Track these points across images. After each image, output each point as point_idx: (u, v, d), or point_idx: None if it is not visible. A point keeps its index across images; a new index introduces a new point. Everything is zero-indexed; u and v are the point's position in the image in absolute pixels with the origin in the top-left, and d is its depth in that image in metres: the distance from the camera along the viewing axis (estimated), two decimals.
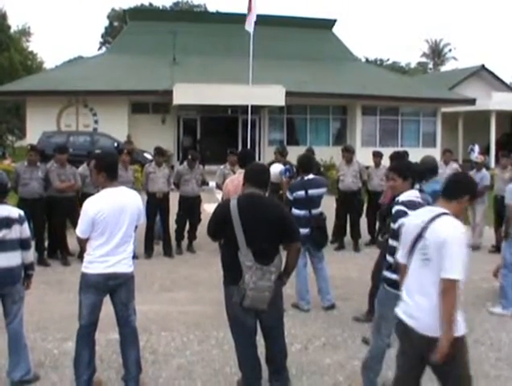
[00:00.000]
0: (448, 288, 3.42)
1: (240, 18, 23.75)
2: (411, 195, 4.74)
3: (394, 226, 4.58)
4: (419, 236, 3.62)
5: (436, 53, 69.71)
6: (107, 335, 5.68)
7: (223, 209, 4.52)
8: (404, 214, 4.53)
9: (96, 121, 25.33)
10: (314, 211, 7.07)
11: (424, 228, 3.60)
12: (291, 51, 31.36)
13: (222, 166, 10.60)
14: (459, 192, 3.72)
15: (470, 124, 31.38)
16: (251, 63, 20.07)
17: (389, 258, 4.67)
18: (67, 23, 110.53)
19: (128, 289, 4.72)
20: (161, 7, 56.93)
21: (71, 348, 5.03)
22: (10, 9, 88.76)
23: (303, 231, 6.70)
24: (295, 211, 6.88)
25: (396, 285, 4.54)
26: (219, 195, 11.25)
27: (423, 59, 70.98)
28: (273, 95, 24.04)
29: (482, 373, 5.21)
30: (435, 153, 26.92)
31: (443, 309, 3.44)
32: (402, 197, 4.71)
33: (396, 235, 4.57)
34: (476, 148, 28.68)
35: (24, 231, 4.88)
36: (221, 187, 9.17)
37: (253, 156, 7.38)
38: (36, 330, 6.08)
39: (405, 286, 3.76)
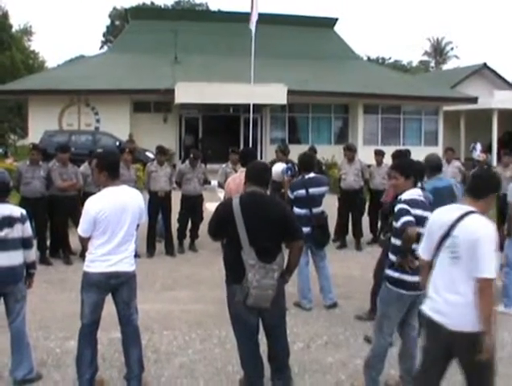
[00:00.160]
0: (485, 287, 3.45)
1: (241, 17, 23.79)
2: (414, 193, 4.73)
3: (397, 224, 4.57)
4: (447, 234, 3.64)
5: (438, 51, 69.62)
6: (109, 334, 5.68)
7: (225, 208, 4.52)
8: (406, 212, 4.52)
9: (98, 120, 25.36)
10: (315, 210, 7.07)
11: (452, 226, 3.62)
12: (293, 49, 31.35)
13: (224, 165, 10.60)
14: (486, 191, 3.74)
15: (472, 122, 31.33)
16: (253, 62, 20.07)
17: (391, 256, 4.66)
18: (68, 22, 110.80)
19: (130, 288, 4.72)
20: (163, 6, 56.91)
21: (73, 347, 5.04)
22: (11, 8, 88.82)
23: (305, 230, 6.68)
24: (296, 209, 6.88)
25: (398, 283, 4.55)
26: (221, 194, 11.25)
27: (425, 58, 70.98)
28: (275, 93, 24.03)
29: None
30: (437, 151, 26.82)
31: (481, 307, 3.46)
32: (405, 195, 4.70)
33: (398, 233, 4.57)
34: (478, 146, 28.63)
35: (26, 230, 4.88)
36: (223, 186, 9.17)
37: (255, 155, 7.39)
38: (39, 329, 6.08)
39: (431, 284, 3.78)
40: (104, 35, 60.76)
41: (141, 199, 4.86)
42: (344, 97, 27.18)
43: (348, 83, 27.28)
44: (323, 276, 7.22)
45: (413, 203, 4.61)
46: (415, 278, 4.54)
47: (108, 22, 60.74)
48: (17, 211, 4.87)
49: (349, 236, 11.00)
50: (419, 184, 5.22)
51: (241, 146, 23.89)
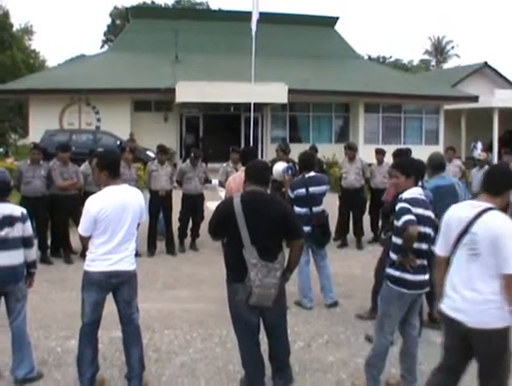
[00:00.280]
0: None
1: (242, 16, 23.78)
2: (415, 192, 4.72)
3: (398, 223, 4.56)
4: (465, 231, 3.65)
5: (439, 50, 69.55)
6: (110, 333, 5.68)
7: (226, 207, 4.52)
8: (408, 211, 4.52)
9: (98, 120, 25.37)
10: (315, 209, 7.06)
11: (471, 223, 3.63)
12: (294, 48, 31.32)
13: (225, 164, 10.60)
14: (503, 187, 3.76)
15: (473, 121, 31.30)
16: (253, 61, 20.06)
17: (392, 255, 4.66)
18: (69, 22, 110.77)
19: (130, 287, 4.71)
20: (163, 5, 56.83)
21: (74, 346, 5.04)
22: (12, 7, 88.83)
23: (305, 229, 6.69)
24: (297, 208, 6.87)
25: (399, 282, 4.55)
26: (222, 193, 11.25)
27: (426, 57, 70.88)
28: (275, 92, 24.02)
29: None
30: (438, 150, 26.70)
31: (510, 302, 3.51)
32: (406, 194, 4.70)
33: (399, 232, 4.57)
34: (479, 145, 28.63)
35: (27, 229, 4.88)
36: (224, 185, 9.17)
37: (256, 154, 7.40)
38: (39, 328, 6.08)
39: (448, 281, 3.79)
40: (105, 34, 60.73)
41: (141, 198, 4.85)
42: (344, 96, 27.17)
43: (348, 82, 27.26)
44: (323, 275, 7.22)
45: (414, 201, 4.60)
46: (416, 277, 4.55)
47: (109, 21, 60.72)
48: (17, 210, 4.87)
49: (350, 235, 11.00)
50: (420, 183, 5.21)
51: (242, 145, 23.88)
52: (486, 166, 11.22)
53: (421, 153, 9.50)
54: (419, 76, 42.30)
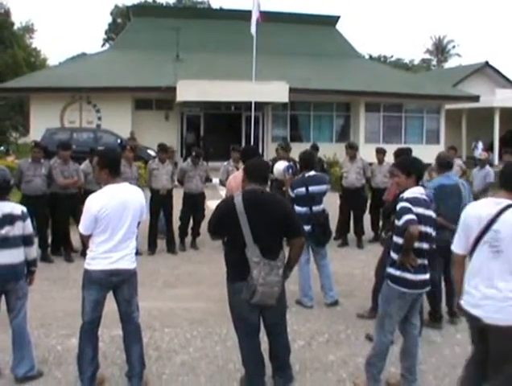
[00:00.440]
0: None
1: (243, 15, 23.76)
2: (416, 191, 4.71)
3: (399, 223, 4.56)
4: (487, 229, 3.67)
5: (440, 50, 69.50)
6: (111, 332, 5.69)
7: (227, 206, 4.52)
8: (408, 211, 4.51)
9: (99, 118, 25.36)
10: (315, 208, 7.06)
11: (493, 221, 3.65)
12: (295, 47, 31.33)
13: (226, 163, 10.61)
14: None
15: (474, 121, 31.28)
16: (254, 60, 20.06)
17: (393, 255, 4.66)
18: (70, 20, 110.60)
19: (131, 286, 4.72)
20: (164, 4, 56.83)
21: (74, 345, 5.04)
22: (13, 6, 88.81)
23: (305, 228, 6.71)
24: (297, 208, 6.86)
25: (400, 281, 4.55)
26: (222, 192, 11.25)
27: (427, 56, 70.85)
28: (276, 91, 24.02)
29: None
30: (439, 149, 26.79)
31: None
32: (407, 194, 4.69)
33: (400, 231, 4.56)
34: (480, 145, 28.64)
35: (27, 227, 4.88)
36: (225, 184, 9.17)
37: (257, 153, 7.39)
38: (40, 327, 6.09)
39: (468, 278, 3.82)
40: (106, 33, 60.73)
41: (142, 197, 4.85)
42: (345, 95, 27.15)
43: (350, 81, 27.26)
44: (324, 274, 7.22)
45: (415, 201, 4.60)
46: (417, 276, 4.55)
47: (109, 19, 60.73)
48: (18, 208, 4.87)
49: (351, 234, 11.00)
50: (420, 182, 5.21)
51: (243, 144, 23.88)
52: (487, 166, 11.25)
53: (422, 152, 9.49)
54: (420, 76, 42.30)
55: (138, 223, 4.84)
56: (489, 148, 27.80)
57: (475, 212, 3.80)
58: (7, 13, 39.41)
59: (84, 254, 5.98)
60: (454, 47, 69.72)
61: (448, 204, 6.27)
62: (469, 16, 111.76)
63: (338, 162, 15.85)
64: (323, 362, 5.40)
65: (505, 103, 29.69)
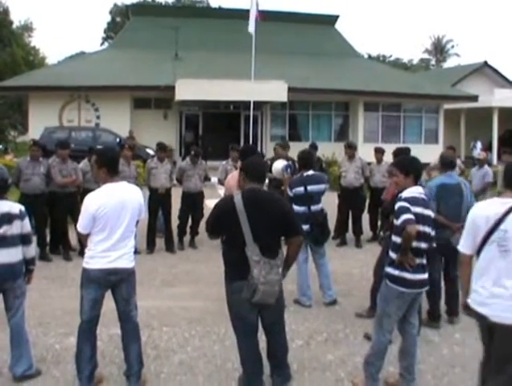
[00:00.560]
0: None
1: (242, 14, 23.74)
2: (414, 191, 4.71)
3: (397, 222, 4.56)
4: (494, 228, 3.69)
5: (439, 49, 69.55)
6: (109, 330, 5.69)
7: (227, 205, 4.51)
8: (406, 210, 4.51)
9: (98, 117, 25.35)
10: (313, 208, 7.06)
11: (500, 220, 3.67)
12: (294, 46, 31.33)
13: (224, 162, 10.61)
14: None
15: (472, 120, 31.31)
16: (253, 59, 20.05)
17: (391, 254, 4.66)
18: (69, 19, 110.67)
19: (129, 285, 4.71)
20: (163, 3, 56.83)
21: (73, 343, 5.03)
22: (12, 4, 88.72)
23: (304, 227, 6.70)
24: (295, 207, 6.84)
25: (398, 281, 4.55)
26: (221, 191, 11.25)
27: (426, 56, 70.90)
28: (275, 91, 24.02)
29: None
30: (438, 149, 26.88)
31: None
32: (405, 193, 4.69)
33: (398, 231, 4.57)
34: (479, 144, 28.65)
35: (25, 226, 4.88)
36: (223, 183, 9.17)
37: (255, 151, 7.38)
38: (38, 326, 6.08)
39: (475, 277, 3.84)
40: (105, 32, 60.74)
41: (140, 195, 4.84)
42: (344, 95, 27.15)
43: (348, 80, 27.26)
44: (322, 273, 7.22)
45: (413, 200, 4.60)
46: (416, 276, 4.55)
47: (108, 18, 60.77)
48: (16, 207, 4.86)
49: (349, 234, 11.00)
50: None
51: (242, 143, 23.88)
52: (486, 166, 11.25)
53: (420, 152, 9.49)
54: (419, 75, 42.31)
55: (137, 222, 4.83)
56: (487, 148, 27.81)
57: (482, 212, 3.82)
58: (6, 11, 39.40)
59: (81, 254, 5.99)
60: (453, 46, 69.88)
61: (449, 203, 6.30)
62: (468, 16, 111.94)
63: (337, 162, 15.86)
64: (321, 361, 5.40)
65: (503, 103, 29.72)
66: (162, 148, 10.33)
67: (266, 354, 4.75)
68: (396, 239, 4.61)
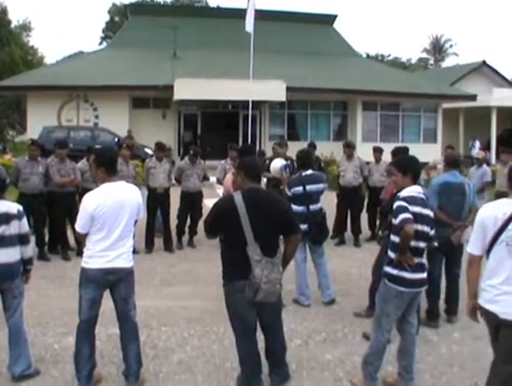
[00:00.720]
0: None
1: (240, 14, 23.71)
2: (413, 190, 4.71)
3: (395, 221, 4.56)
4: (503, 228, 3.72)
5: (437, 49, 69.57)
6: (108, 330, 5.69)
7: (227, 204, 4.51)
8: (404, 209, 4.52)
9: (96, 116, 25.31)
10: (312, 207, 7.06)
11: (509, 220, 3.71)
12: (292, 46, 31.32)
13: (223, 161, 10.60)
14: None
15: (471, 120, 31.33)
16: (252, 59, 20.04)
17: (390, 254, 4.66)
18: (67, 18, 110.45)
19: (128, 284, 4.71)
20: (162, 2, 56.73)
21: (71, 343, 5.02)
22: (10, 3, 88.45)
23: (302, 226, 6.70)
24: (294, 206, 6.84)
25: (397, 280, 4.55)
26: (220, 190, 11.25)
27: (424, 55, 70.92)
28: (273, 90, 24.01)
29: (483, 368, 5.20)
30: (436, 149, 26.98)
31: None
32: (404, 192, 4.70)
33: (397, 230, 4.57)
34: (477, 144, 28.67)
35: (23, 226, 4.87)
36: (222, 182, 9.18)
37: (254, 151, 7.40)
38: (37, 325, 6.08)
39: (486, 277, 3.86)
40: (103, 31, 60.63)
41: (139, 195, 4.84)
42: (343, 94, 27.13)
43: (347, 80, 27.25)
44: (321, 273, 7.22)
45: (412, 200, 4.60)
46: (414, 275, 4.56)
47: (107, 18, 60.64)
48: (14, 207, 4.85)
49: (348, 233, 11.01)
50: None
51: (240, 143, 23.87)
52: (484, 165, 11.25)
53: (419, 151, 9.50)
54: (418, 75, 42.30)
55: (135, 222, 4.83)
56: (486, 147, 27.81)
57: (490, 213, 3.84)
58: (4, 11, 39.32)
59: (80, 253, 5.98)
60: (451, 46, 69.88)
61: (451, 201, 6.33)
62: (467, 15, 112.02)
63: (335, 161, 15.87)
64: (320, 361, 5.40)
65: (502, 102, 29.74)
66: (160, 147, 10.33)
67: (265, 353, 4.76)
68: (394, 238, 4.62)
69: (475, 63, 38.21)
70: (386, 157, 9.36)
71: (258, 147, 24.51)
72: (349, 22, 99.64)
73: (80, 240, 4.79)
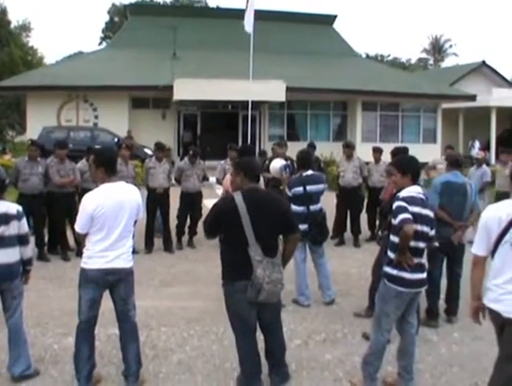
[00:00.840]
0: None
1: (240, 14, 23.69)
2: (412, 190, 4.71)
3: (395, 222, 4.56)
4: (507, 229, 3.74)
5: (437, 49, 69.56)
6: (107, 330, 5.69)
7: (228, 205, 4.51)
8: (404, 210, 4.51)
9: (96, 116, 25.30)
10: (312, 208, 7.06)
11: None
12: (292, 46, 31.32)
13: (223, 162, 10.60)
14: None
15: (471, 120, 31.34)
16: (251, 59, 20.04)
17: (390, 254, 4.66)
18: (67, 18, 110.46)
19: (127, 285, 4.71)
20: (161, 2, 56.73)
21: (71, 343, 5.02)
22: (10, 4, 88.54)
23: (302, 227, 6.71)
24: (294, 207, 6.85)
25: (397, 280, 4.55)
26: (219, 191, 11.25)
27: (424, 55, 70.90)
28: (273, 90, 24.00)
29: (483, 369, 5.22)
30: (436, 149, 26.97)
31: None
32: (403, 193, 4.69)
33: (396, 231, 4.57)
34: (477, 144, 28.67)
35: (22, 226, 4.86)
36: (222, 182, 9.18)
37: (253, 151, 7.41)
38: (36, 326, 6.08)
39: (492, 277, 3.88)
40: (103, 32, 60.61)
41: (138, 195, 4.84)
42: (342, 94, 27.12)
43: (346, 80, 27.24)
44: (322, 273, 7.22)
45: (411, 200, 4.60)
46: (414, 275, 4.55)
47: (107, 18, 60.63)
48: (13, 207, 4.84)
49: (347, 233, 11.01)
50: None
51: (240, 143, 23.86)
52: (484, 165, 11.26)
53: (419, 151, 9.49)
54: (417, 75, 42.31)
55: (135, 222, 4.83)
56: (485, 147, 27.81)
57: (494, 214, 3.87)
58: (4, 11, 39.33)
59: (80, 254, 5.98)
60: (451, 46, 69.86)
61: (452, 201, 6.35)
62: (466, 15, 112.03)
63: (335, 161, 15.86)
64: (319, 361, 5.40)
65: (501, 102, 29.76)
66: (160, 148, 10.32)
67: (264, 353, 4.76)
68: (394, 238, 4.61)
69: (474, 64, 38.22)
70: (386, 157, 9.36)
71: (257, 147, 24.53)
72: (349, 22, 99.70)
73: (80, 240, 4.79)
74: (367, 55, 60.81)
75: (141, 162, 14.55)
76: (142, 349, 4.97)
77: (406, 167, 4.85)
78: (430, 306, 6.43)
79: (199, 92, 23.23)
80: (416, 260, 4.57)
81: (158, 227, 10.38)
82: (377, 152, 11.18)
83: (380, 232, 6.72)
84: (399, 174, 4.85)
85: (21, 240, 4.86)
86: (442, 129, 29.12)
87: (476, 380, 4.99)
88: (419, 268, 4.60)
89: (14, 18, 66.02)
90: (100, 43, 59.07)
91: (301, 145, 10.80)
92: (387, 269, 4.64)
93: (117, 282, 4.63)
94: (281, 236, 4.76)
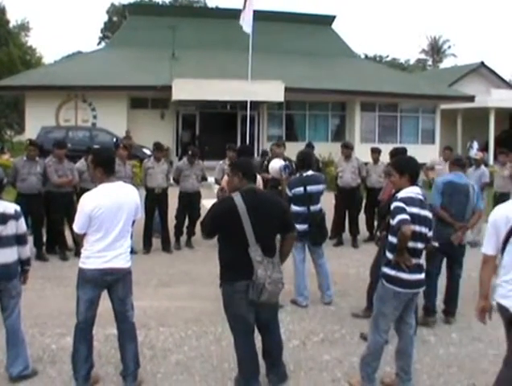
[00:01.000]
0: None
1: (239, 14, 23.71)
2: (411, 191, 4.70)
3: (393, 222, 4.56)
4: None
5: (435, 50, 69.59)
6: (105, 330, 5.68)
7: (228, 205, 4.51)
8: (402, 210, 4.51)
9: (95, 116, 25.25)
10: (312, 208, 7.06)
11: None
12: (291, 47, 31.30)
13: (221, 162, 10.59)
14: None
15: (469, 121, 31.36)
16: (250, 59, 20.04)
17: (388, 254, 4.66)
18: (66, 18, 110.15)
19: (125, 285, 4.71)
20: (160, 2, 56.68)
21: (69, 343, 5.01)
22: (8, 4, 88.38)
23: (302, 227, 6.72)
24: (294, 207, 6.87)
25: (395, 281, 4.55)
26: None
27: (423, 56, 70.92)
28: (272, 91, 24.00)
29: (481, 369, 5.23)
30: (434, 149, 26.97)
31: None
32: (402, 193, 4.69)
33: (394, 231, 4.57)
34: (475, 145, 28.68)
35: (20, 226, 4.86)
36: (220, 183, 9.18)
37: (252, 152, 7.41)
38: (34, 326, 6.07)
39: (502, 274, 3.97)
40: (101, 31, 60.55)
41: (136, 195, 4.84)
42: (341, 95, 27.11)
43: (345, 80, 27.25)
44: (322, 274, 7.23)
45: (410, 201, 4.59)
46: (412, 276, 4.56)
47: (105, 18, 60.54)
48: (11, 207, 4.83)
49: (346, 234, 11.01)
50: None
51: (239, 143, 23.85)
52: (482, 166, 11.26)
53: (417, 152, 9.49)
54: (416, 76, 42.31)
55: (133, 222, 4.83)
56: (484, 148, 27.84)
57: (502, 213, 3.96)
58: (3, 11, 39.31)
59: (78, 254, 5.98)
60: (450, 47, 69.89)
61: (454, 201, 6.36)
62: (465, 16, 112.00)
63: (333, 162, 15.86)
64: (317, 361, 5.40)
65: (500, 103, 29.77)
66: (158, 148, 10.32)
67: (262, 353, 4.77)
68: (392, 239, 4.61)
69: (473, 64, 38.24)
70: (384, 158, 9.36)
71: (256, 148, 24.56)
72: (348, 22, 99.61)
73: (78, 240, 4.79)
74: (366, 56, 60.83)
75: (139, 162, 14.53)
76: (140, 349, 4.97)
77: (405, 168, 4.84)
78: (427, 304, 6.44)
79: (198, 92, 23.22)
80: (414, 261, 4.57)
81: (157, 228, 10.38)
82: (376, 152, 11.18)
83: (378, 233, 6.71)
84: (398, 174, 4.85)
85: (19, 240, 4.85)
86: (440, 129, 29.13)
87: (473, 381, 5.00)
88: (417, 268, 4.60)
89: (13, 18, 65.82)
90: (99, 43, 59.02)
91: (299, 146, 10.82)
92: (385, 270, 4.64)
93: (115, 282, 4.63)
94: (278, 236, 4.78)
